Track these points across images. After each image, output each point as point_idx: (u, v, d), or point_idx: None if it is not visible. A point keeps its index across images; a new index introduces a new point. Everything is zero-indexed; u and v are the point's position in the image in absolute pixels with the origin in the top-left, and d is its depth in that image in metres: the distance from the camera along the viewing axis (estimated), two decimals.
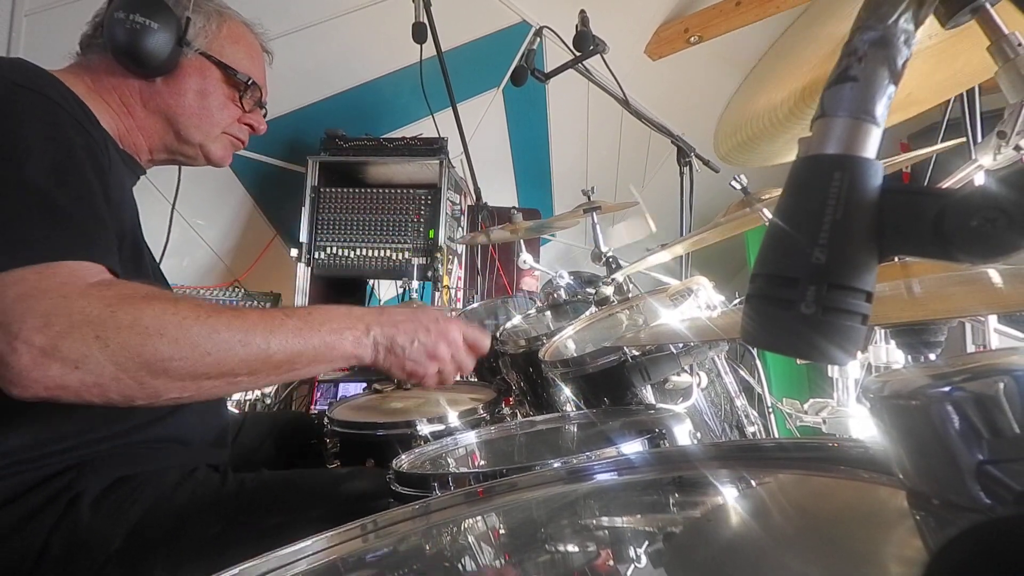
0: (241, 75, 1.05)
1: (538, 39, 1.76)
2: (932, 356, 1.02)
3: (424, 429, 1.07)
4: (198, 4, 1.01)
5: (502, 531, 0.55)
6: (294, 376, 0.81)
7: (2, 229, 0.68)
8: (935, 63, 0.68)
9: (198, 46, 1.01)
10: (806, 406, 1.18)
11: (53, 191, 0.72)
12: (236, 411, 2.03)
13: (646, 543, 0.46)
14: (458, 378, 0.98)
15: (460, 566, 0.48)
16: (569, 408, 1.12)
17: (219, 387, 0.74)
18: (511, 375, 1.36)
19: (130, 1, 0.94)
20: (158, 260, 1.05)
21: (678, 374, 0.99)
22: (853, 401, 1.14)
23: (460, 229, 2.93)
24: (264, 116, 1.16)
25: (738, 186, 1.00)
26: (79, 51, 1.00)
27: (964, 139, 1.26)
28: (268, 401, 2.18)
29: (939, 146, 1.15)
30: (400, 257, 2.66)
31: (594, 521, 0.53)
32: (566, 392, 1.11)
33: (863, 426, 1.08)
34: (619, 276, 1.44)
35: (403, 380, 0.91)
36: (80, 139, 0.80)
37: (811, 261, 0.29)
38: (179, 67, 0.99)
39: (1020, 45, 0.48)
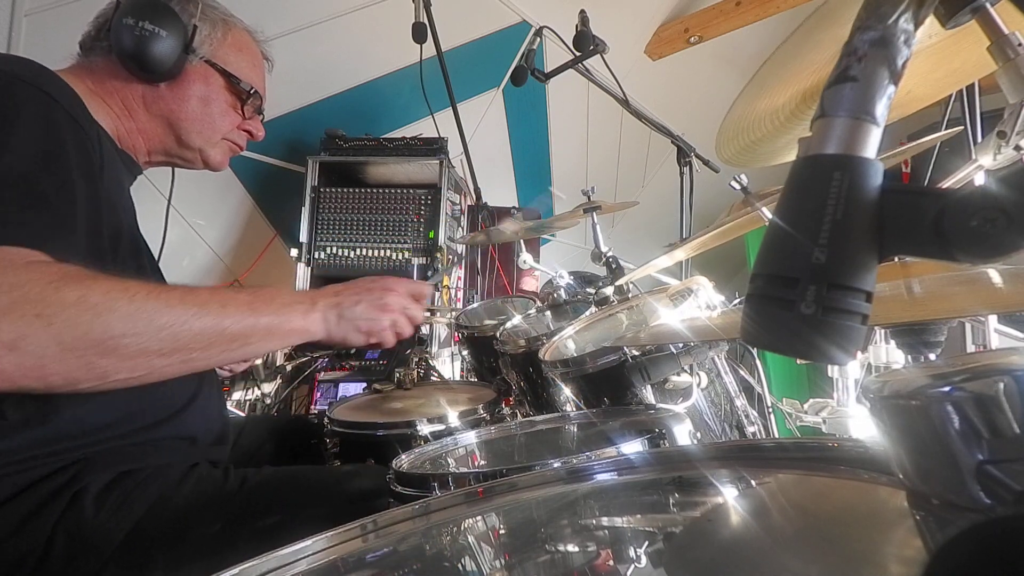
0: (244, 84, 1.07)
1: (538, 39, 1.76)
2: (932, 356, 1.02)
3: (424, 429, 1.07)
4: (204, 12, 1.02)
5: (502, 531, 0.54)
6: (247, 352, 0.80)
7: None
8: (935, 61, 0.68)
9: (203, 53, 1.02)
10: (806, 406, 1.18)
11: (33, 180, 0.71)
12: (237, 412, 2.03)
13: (646, 543, 0.46)
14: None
15: (460, 566, 0.48)
16: (569, 408, 1.12)
17: (171, 366, 0.72)
18: (511, 375, 1.36)
19: (139, 7, 0.95)
20: (157, 259, 1.05)
21: (678, 374, 0.99)
22: (853, 401, 1.14)
23: (460, 229, 2.93)
24: (262, 121, 1.17)
25: (738, 186, 1.00)
26: (80, 52, 1.01)
27: (962, 127, 1.26)
28: (268, 401, 2.17)
29: (940, 134, 1.14)
30: (400, 257, 2.66)
31: (594, 521, 0.53)
32: (566, 392, 1.11)
33: (863, 426, 1.08)
34: (620, 280, 1.44)
35: (364, 345, 0.94)
36: (72, 136, 0.79)
37: (811, 261, 0.29)
38: (184, 73, 1.01)
39: (1020, 45, 0.48)
